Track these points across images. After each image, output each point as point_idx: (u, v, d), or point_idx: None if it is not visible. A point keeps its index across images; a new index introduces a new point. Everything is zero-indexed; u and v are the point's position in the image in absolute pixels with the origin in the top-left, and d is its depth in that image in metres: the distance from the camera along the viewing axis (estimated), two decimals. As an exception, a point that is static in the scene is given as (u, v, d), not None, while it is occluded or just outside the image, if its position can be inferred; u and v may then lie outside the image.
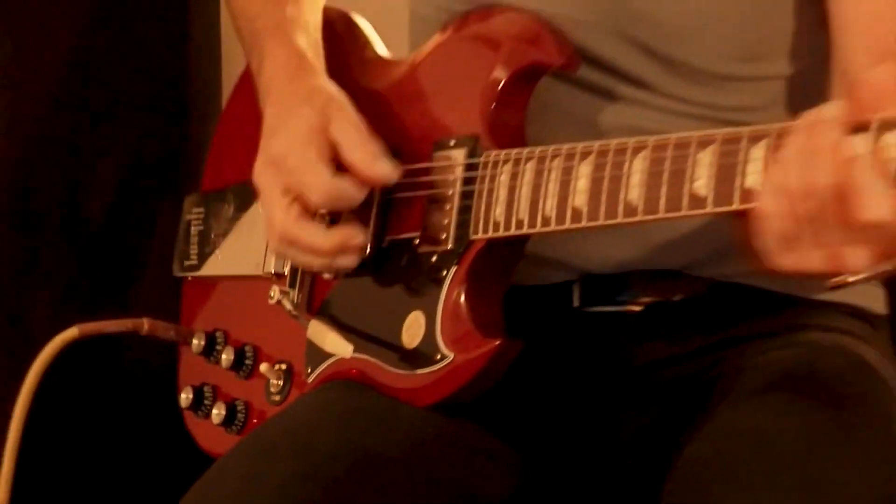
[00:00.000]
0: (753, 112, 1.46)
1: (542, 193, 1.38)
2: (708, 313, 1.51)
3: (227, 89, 2.27)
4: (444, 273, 1.44)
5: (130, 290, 2.22)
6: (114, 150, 2.23)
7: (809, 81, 1.49)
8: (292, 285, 1.57)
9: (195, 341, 1.68)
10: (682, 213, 1.28)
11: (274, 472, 1.39)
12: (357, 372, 1.49)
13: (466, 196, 1.44)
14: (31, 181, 2.17)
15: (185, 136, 2.28)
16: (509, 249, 1.44)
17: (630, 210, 1.31)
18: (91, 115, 2.20)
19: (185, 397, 1.68)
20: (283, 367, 1.58)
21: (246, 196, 1.66)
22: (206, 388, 1.68)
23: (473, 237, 1.43)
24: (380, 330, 1.48)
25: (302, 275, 1.57)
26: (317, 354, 1.52)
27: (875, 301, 1.58)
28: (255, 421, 1.62)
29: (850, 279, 1.26)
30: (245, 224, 1.67)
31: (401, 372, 1.45)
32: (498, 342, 1.40)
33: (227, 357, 1.64)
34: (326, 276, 1.54)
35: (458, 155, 1.45)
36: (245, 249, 1.66)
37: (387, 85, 1.56)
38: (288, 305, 1.55)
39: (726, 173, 1.26)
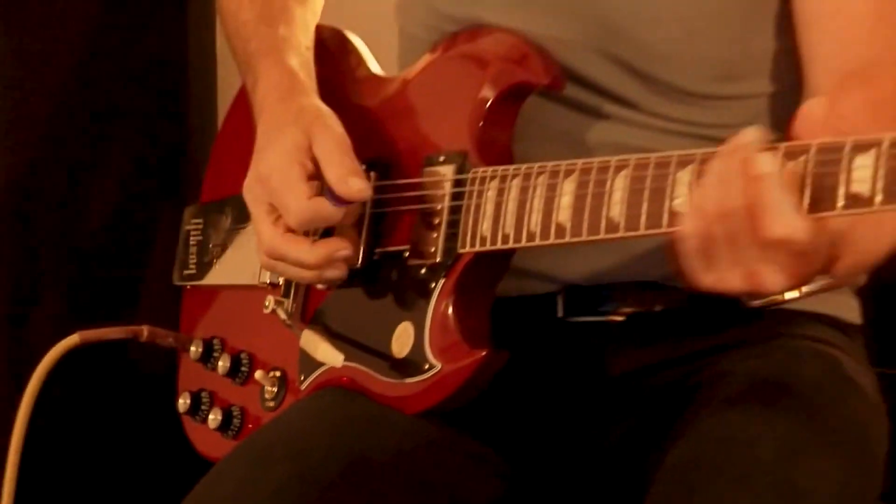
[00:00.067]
0: (735, 129, 1.45)
1: (527, 209, 1.38)
2: (688, 323, 1.51)
3: (221, 102, 2.29)
4: (433, 285, 1.44)
5: (131, 298, 2.22)
6: (114, 160, 2.22)
7: (789, 99, 1.50)
8: (286, 295, 1.58)
9: (193, 348, 1.68)
10: (663, 229, 1.28)
11: (270, 476, 1.39)
12: (348, 380, 1.50)
13: (454, 211, 1.44)
14: (33, 190, 2.16)
15: (183, 148, 2.28)
16: (496, 263, 1.44)
17: (612, 226, 1.32)
18: (92, 124, 2.20)
19: (183, 402, 1.69)
20: (278, 374, 1.59)
21: (243, 208, 1.64)
22: (203, 394, 1.68)
23: (461, 251, 1.43)
24: (370, 339, 1.49)
25: (296, 285, 1.58)
26: (310, 362, 1.53)
27: (850, 311, 1.58)
28: (250, 426, 1.62)
29: (777, 297, 1.28)
30: (242, 235, 1.68)
31: (390, 381, 1.46)
32: (484, 353, 1.40)
33: (223, 364, 1.65)
34: (320, 286, 1.55)
35: (447, 171, 1.46)
36: (242, 260, 1.66)
37: (378, 101, 1.57)
38: (282, 315, 1.56)
39: None
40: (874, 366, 1.56)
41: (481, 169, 1.43)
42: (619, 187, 1.32)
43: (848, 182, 1.17)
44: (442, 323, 1.43)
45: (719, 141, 1.28)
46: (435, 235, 1.45)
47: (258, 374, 1.60)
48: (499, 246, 1.41)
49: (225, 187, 1.72)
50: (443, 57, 1.52)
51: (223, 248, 1.70)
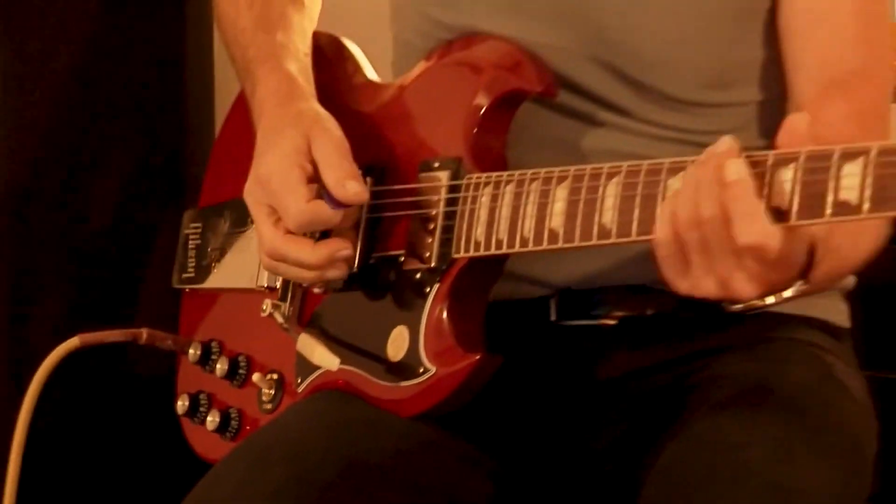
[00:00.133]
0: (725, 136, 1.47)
1: (520, 215, 1.38)
2: (679, 327, 1.51)
3: (219, 106, 2.28)
4: (428, 290, 1.44)
5: (130, 301, 2.21)
6: (114, 163, 2.22)
7: (777, 107, 1.50)
8: (283, 298, 1.57)
9: (192, 351, 1.68)
10: (654, 236, 1.28)
11: (268, 477, 1.39)
12: (344, 383, 1.49)
13: (449, 216, 1.44)
14: (33, 192, 2.16)
15: (181, 151, 2.28)
16: (489, 268, 1.44)
17: (604, 232, 1.32)
18: (92, 127, 2.19)
19: (182, 404, 1.68)
20: (275, 376, 1.58)
21: (241, 212, 1.65)
22: (201, 396, 1.67)
23: (455, 256, 1.43)
24: (366, 343, 1.48)
25: (293, 288, 1.57)
26: (306, 365, 1.52)
27: (839, 315, 1.58)
28: (247, 428, 1.62)
29: (756, 303, 1.28)
30: (240, 239, 1.67)
31: (386, 384, 1.45)
32: (478, 357, 1.40)
33: (221, 366, 1.64)
34: (317, 290, 1.54)
35: (442, 176, 1.45)
36: (240, 263, 1.66)
37: (375, 108, 1.56)
38: (279, 318, 1.55)
39: None
40: (863, 369, 1.56)
41: (476, 175, 1.43)
42: (610, 194, 1.31)
43: (836, 190, 1.17)
44: (437, 327, 1.42)
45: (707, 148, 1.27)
46: (430, 240, 1.44)
47: (256, 377, 1.59)
48: (493, 251, 1.40)
49: (223, 191, 1.71)
50: (438, 64, 1.52)
51: (222, 251, 1.70)
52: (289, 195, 1.44)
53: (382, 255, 1.48)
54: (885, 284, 1.91)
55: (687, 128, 1.48)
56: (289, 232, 1.46)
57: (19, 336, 2.13)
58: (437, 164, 1.46)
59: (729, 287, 1.23)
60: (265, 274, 1.60)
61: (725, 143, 1.24)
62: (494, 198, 1.40)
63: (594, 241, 1.32)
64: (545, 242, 1.36)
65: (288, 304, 1.57)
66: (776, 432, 1.37)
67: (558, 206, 1.35)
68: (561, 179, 1.36)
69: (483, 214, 1.41)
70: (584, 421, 1.51)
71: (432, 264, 1.44)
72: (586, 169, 1.34)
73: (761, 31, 1.48)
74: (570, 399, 1.52)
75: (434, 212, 1.45)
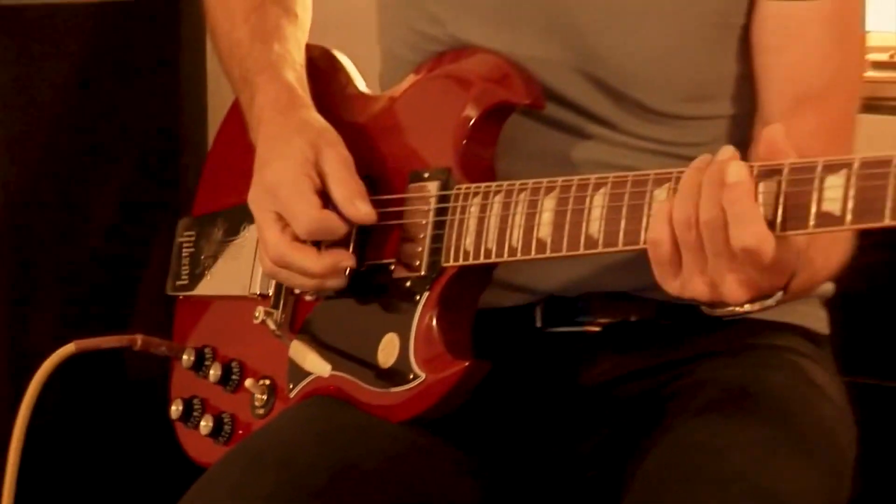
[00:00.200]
0: (702, 148, 1.45)
1: (509, 225, 1.38)
2: (663, 333, 1.51)
3: (212, 119, 2.28)
4: (418, 297, 1.43)
5: (125, 308, 2.21)
6: (111, 175, 2.22)
7: (749, 121, 1.50)
8: (276, 306, 1.56)
9: (185, 357, 1.67)
10: (640, 246, 1.28)
11: (260, 482, 1.38)
12: (335, 389, 1.48)
13: (439, 226, 1.43)
14: (32, 202, 2.16)
15: (176, 164, 2.27)
16: (478, 276, 1.43)
17: (591, 242, 1.31)
18: (90, 140, 2.19)
19: (176, 409, 1.67)
20: (267, 382, 1.58)
21: (234, 220, 1.65)
22: (195, 401, 1.66)
23: (445, 264, 1.42)
24: (357, 349, 1.47)
25: (285, 296, 1.56)
26: (298, 372, 1.51)
27: (818, 321, 1.58)
28: (240, 433, 1.61)
29: (737, 309, 1.28)
30: (233, 247, 1.66)
31: (376, 390, 1.45)
32: (467, 363, 1.39)
33: (214, 372, 1.63)
34: (308, 297, 1.53)
35: (432, 187, 1.45)
36: (233, 271, 1.65)
37: (366, 119, 1.56)
38: (272, 325, 1.54)
39: None
40: (842, 374, 1.56)
41: (465, 185, 1.42)
42: (597, 204, 1.31)
43: (819, 201, 1.17)
44: (426, 334, 1.42)
45: (689, 159, 1.28)
46: (420, 249, 1.44)
47: (248, 383, 1.59)
48: (481, 260, 1.40)
49: (217, 201, 1.70)
50: (428, 76, 1.51)
51: (215, 259, 1.69)
52: (300, 202, 1.44)
53: (373, 264, 1.48)
54: (863, 292, 1.91)
55: (668, 140, 1.48)
56: (295, 240, 1.45)
57: (16, 342, 2.12)
58: (426, 175, 1.46)
59: (719, 289, 1.23)
60: (258, 281, 1.59)
61: (728, 151, 1.24)
62: (483, 208, 1.40)
63: (581, 251, 1.32)
64: (533, 252, 1.36)
65: (280, 311, 1.56)
66: (758, 437, 1.37)
67: (546, 216, 1.35)
68: (549, 190, 1.35)
69: (472, 224, 1.40)
70: (570, 426, 1.51)
71: (422, 273, 1.43)
72: (574, 180, 1.34)
73: (737, 47, 1.48)
74: (555, 404, 1.52)
75: (424, 221, 1.44)
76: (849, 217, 1.16)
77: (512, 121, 1.46)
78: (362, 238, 1.48)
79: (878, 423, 1.78)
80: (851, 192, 1.15)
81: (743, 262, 1.21)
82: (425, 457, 1.44)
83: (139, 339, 1.68)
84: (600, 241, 1.31)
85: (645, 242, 1.27)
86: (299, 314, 1.55)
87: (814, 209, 1.17)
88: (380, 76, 1.62)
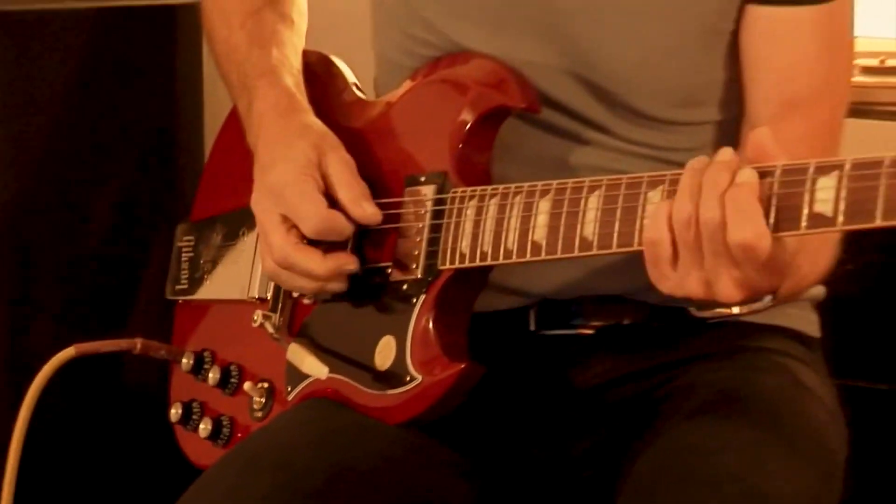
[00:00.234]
0: (691, 152, 1.46)
1: (504, 228, 1.38)
2: (655, 336, 1.51)
3: (208, 124, 2.28)
4: (415, 300, 1.43)
5: (125, 312, 2.21)
6: (110, 180, 2.22)
7: (735, 127, 1.50)
8: (274, 309, 1.56)
9: (185, 360, 1.67)
10: (634, 248, 1.28)
11: (257, 484, 1.38)
12: (332, 391, 1.48)
13: (435, 229, 1.43)
14: (31, 208, 2.16)
15: (173, 167, 2.27)
16: (474, 279, 1.43)
17: (585, 245, 1.31)
18: (89, 148, 2.19)
19: (175, 412, 1.67)
20: (266, 385, 1.57)
21: (233, 225, 1.65)
22: (194, 404, 1.66)
23: (441, 267, 1.42)
24: (354, 352, 1.47)
25: (283, 299, 1.56)
26: (296, 374, 1.51)
27: (810, 325, 1.58)
28: (239, 435, 1.61)
29: (733, 310, 1.28)
30: (232, 251, 1.66)
31: (373, 392, 1.45)
32: (463, 366, 1.39)
33: (213, 375, 1.63)
34: (307, 300, 1.53)
35: (428, 190, 1.45)
36: (231, 275, 1.65)
37: (363, 124, 1.56)
38: (270, 328, 1.54)
39: None
40: (833, 377, 1.56)
41: (461, 189, 1.43)
42: (592, 207, 1.31)
43: (811, 203, 1.17)
44: (423, 337, 1.42)
45: (681, 165, 1.28)
46: (416, 252, 1.44)
47: (247, 386, 1.58)
48: (477, 263, 1.40)
49: (215, 206, 1.70)
50: (424, 81, 1.51)
51: (214, 264, 1.69)
52: (307, 202, 1.43)
53: (370, 267, 1.48)
54: (854, 295, 1.92)
55: (656, 144, 1.48)
56: (300, 242, 1.45)
57: (17, 345, 2.12)
58: (423, 179, 1.46)
59: (713, 288, 1.23)
60: (256, 285, 1.59)
61: (727, 153, 1.24)
62: (479, 211, 1.40)
63: (576, 253, 1.32)
64: (528, 254, 1.36)
65: (278, 314, 1.56)
66: (749, 438, 1.37)
67: (541, 218, 1.35)
68: (544, 193, 1.36)
69: (468, 227, 1.40)
70: (564, 428, 1.51)
71: (419, 276, 1.43)
72: (568, 183, 1.34)
73: (725, 53, 1.48)
74: (549, 406, 1.52)
75: (420, 225, 1.44)
76: (840, 218, 1.16)
77: (507, 125, 1.46)
78: (360, 241, 1.48)
79: (869, 426, 1.78)
80: (843, 194, 1.15)
81: (739, 260, 1.21)
82: (421, 459, 1.44)
83: (139, 342, 1.68)
84: (595, 244, 1.31)
85: (639, 244, 1.27)
86: (297, 317, 1.55)
87: (806, 210, 1.18)
88: (374, 80, 1.62)
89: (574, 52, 1.46)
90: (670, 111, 1.48)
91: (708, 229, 1.21)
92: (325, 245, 1.46)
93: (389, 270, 1.46)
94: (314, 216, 1.43)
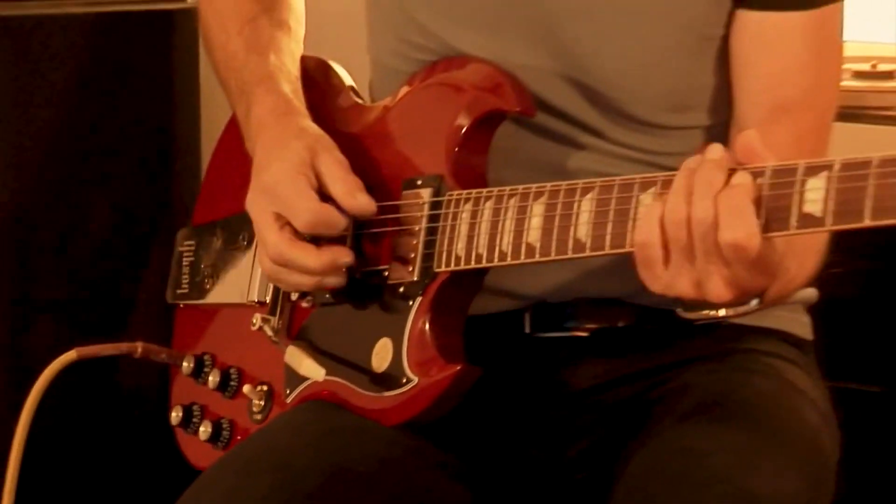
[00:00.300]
0: (682, 157, 1.47)
1: (499, 230, 1.38)
2: (649, 339, 1.51)
3: (205, 127, 2.29)
4: (411, 303, 1.43)
5: (126, 316, 2.21)
6: (108, 182, 2.22)
7: (726, 131, 1.50)
8: (273, 313, 1.56)
9: (185, 364, 1.67)
10: (627, 249, 1.28)
11: (255, 485, 1.38)
12: (330, 393, 1.48)
13: (431, 232, 1.43)
14: (35, 216, 2.16)
15: (171, 171, 2.28)
16: (470, 281, 1.43)
17: (579, 246, 1.31)
18: (87, 151, 2.20)
19: (176, 415, 1.67)
20: (265, 388, 1.57)
21: (232, 229, 1.65)
22: (194, 407, 1.66)
23: (437, 270, 1.42)
24: (352, 355, 1.47)
25: (282, 303, 1.56)
26: (294, 377, 1.51)
27: (802, 328, 1.58)
28: (238, 438, 1.60)
29: (720, 312, 1.28)
30: (232, 255, 1.66)
31: (370, 394, 1.44)
32: (459, 367, 1.39)
33: (213, 379, 1.63)
34: (305, 304, 1.53)
35: (425, 194, 1.45)
36: (232, 279, 1.65)
37: (361, 128, 1.56)
38: (269, 331, 1.54)
39: None
40: (826, 379, 1.55)
41: (457, 192, 1.43)
42: (585, 209, 1.31)
43: (801, 203, 1.17)
44: (419, 339, 1.42)
45: (673, 169, 1.28)
46: (413, 255, 1.44)
47: (246, 389, 1.58)
48: (472, 265, 1.40)
49: (216, 211, 1.70)
50: (421, 86, 1.51)
51: (214, 268, 1.69)
52: (298, 198, 1.43)
53: (368, 270, 1.48)
54: (847, 297, 1.92)
55: (652, 149, 1.48)
56: (294, 238, 1.45)
57: (18, 349, 2.12)
58: (419, 182, 1.46)
59: (703, 287, 1.23)
60: (255, 289, 1.59)
61: (716, 150, 1.24)
62: (474, 214, 1.40)
63: (570, 255, 1.32)
64: (523, 256, 1.36)
65: (277, 317, 1.56)
66: (741, 440, 1.37)
67: (535, 221, 1.35)
68: (538, 195, 1.36)
69: (463, 230, 1.40)
70: (558, 430, 1.51)
71: (415, 278, 1.43)
72: (562, 185, 1.34)
73: (717, 58, 1.48)
74: (544, 408, 1.51)
75: (417, 227, 1.44)
76: (830, 218, 1.16)
77: (502, 129, 1.46)
78: (358, 245, 1.48)
79: (861, 428, 1.77)
80: (832, 194, 1.15)
81: (730, 259, 1.21)
82: (418, 460, 1.44)
83: (140, 346, 1.68)
84: (588, 245, 1.31)
85: (632, 245, 1.27)
86: (296, 321, 1.55)
87: (795, 211, 1.18)
88: (369, 85, 1.63)
89: (568, 56, 1.46)
90: (662, 115, 1.48)
91: (701, 229, 1.21)
92: (321, 242, 1.46)
93: (386, 273, 1.46)
94: (306, 211, 1.43)
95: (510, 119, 1.46)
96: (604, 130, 1.48)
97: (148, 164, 2.25)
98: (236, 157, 1.59)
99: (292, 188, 1.44)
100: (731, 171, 1.22)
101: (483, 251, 1.39)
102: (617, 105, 1.47)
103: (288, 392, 1.53)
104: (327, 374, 1.48)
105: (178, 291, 1.73)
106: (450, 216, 1.42)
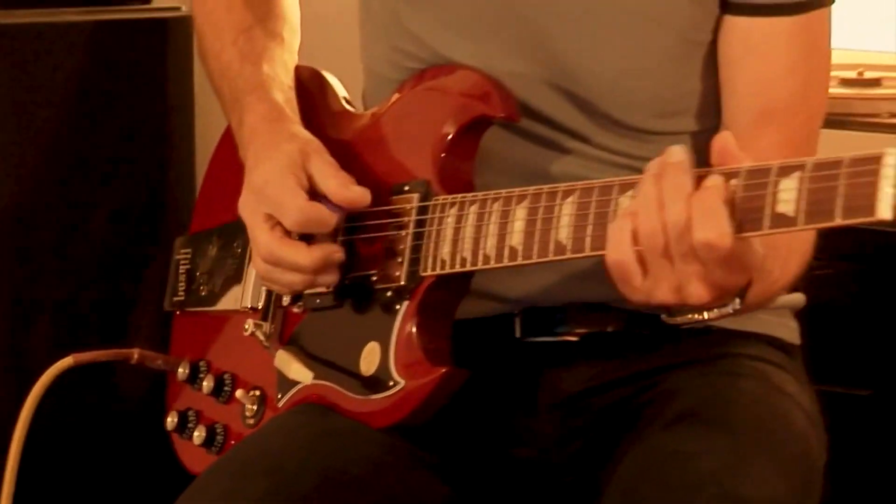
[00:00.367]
0: None
1: (483, 234, 1.38)
2: (638, 343, 1.51)
3: (199, 135, 2.29)
4: (398, 307, 1.43)
5: (123, 322, 2.21)
6: (103, 189, 2.23)
7: (712, 137, 1.49)
8: (265, 318, 1.57)
9: (181, 370, 1.67)
10: (607, 256, 1.28)
11: (249, 488, 1.38)
12: (320, 397, 1.48)
13: (418, 237, 1.43)
14: (32, 223, 2.17)
15: (165, 178, 2.28)
16: (456, 285, 1.43)
17: (559, 249, 1.32)
18: (85, 162, 2.21)
19: (171, 421, 1.67)
20: (257, 393, 1.58)
21: (227, 237, 1.66)
22: (189, 413, 1.66)
23: (423, 274, 1.42)
24: (341, 358, 1.47)
25: (274, 308, 1.57)
26: (286, 381, 1.52)
27: (789, 332, 1.58)
28: (232, 442, 1.60)
29: (696, 317, 1.28)
30: (227, 263, 1.66)
31: (358, 397, 1.45)
32: (445, 370, 1.39)
33: (207, 384, 1.63)
34: (296, 309, 1.54)
35: (412, 199, 1.45)
36: (226, 286, 1.65)
37: (352, 135, 1.56)
38: (261, 336, 1.55)
39: None
40: (813, 383, 1.55)
41: (443, 197, 1.43)
42: (566, 212, 1.32)
43: (774, 203, 1.17)
44: (406, 342, 1.42)
45: None
46: (400, 260, 1.44)
47: (239, 394, 1.59)
48: (457, 269, 1.40)
49: (212, 219, 1.71)
50: (410, 93, 1.52)
51: (210, 275, 1.69)
52: (287, 196, 1.44)
53: (357, 275, 1.48)
54: (833, 302, 1.91)
55: (639, 154, 1.48)
56: (284, 236, 1.45)
57: (15, 354, 2.13)
58: (407, 188, 1.46)
59: (683, 292, 1.23)
60: (249, 295, 1.60)
61: (677, 153, 1.24)
62: (459, 218, 1.40)
63: (551, 257, 1.32)
64: (505, 259, 1.36)
65: (269, 323, 1.56)
66: (730, 444, 1.37)
67: (518, 224, 1.35)
68: (521, 199, 1.36)
69: (448, 234, 1.41)
70: (548, 433, 1.51)
71: (402, 283, 1.43)
72: (544, 189, 1.34)
73: (703, 64, 1.48)
74: (533, 412, 1.51)
75: (404, 232, 1.45)
76: (802, 218, 1.16)
77: (490, 136, 1.47)
78: (346, 251, 1.49)
79: (848, 431, 1.77)
80: (804, 194, 1.16)
81: (704, 259, 1.21)
82: (408, 463, 1.44)
83: (136, 352, 1.68)
84: (569, 248, 1.31)
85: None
86: (288, 326, 1.55)
87: (768, 211, 1.18)
88: (362, 94, 1.63)
89: (554, 63, 1.47)
90: (649, 121, 1.48)
91: (676, 231, 1.21)
92: (312, 240, 1.46)
93: (375, 278, 1.46)
94: (295, 209, 1.43)
95: (498, 125, 1.46)
96: (591, 136, 1.48)
97: (143, 170, 2.25)
98: (231, 167, 1.60)
99: (281, 187, 1.44)
100: (705, 174, 1.23)
101: (467, 255, 1.39)
102: (604, 111, 1.47)
103: (279, 396, 1.53)
104: (315, 377, 1.48)
105: (175, 299, 1.74)
106: (436, 221, 1.42)
